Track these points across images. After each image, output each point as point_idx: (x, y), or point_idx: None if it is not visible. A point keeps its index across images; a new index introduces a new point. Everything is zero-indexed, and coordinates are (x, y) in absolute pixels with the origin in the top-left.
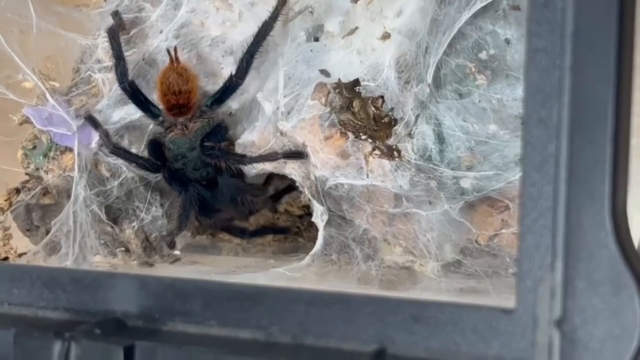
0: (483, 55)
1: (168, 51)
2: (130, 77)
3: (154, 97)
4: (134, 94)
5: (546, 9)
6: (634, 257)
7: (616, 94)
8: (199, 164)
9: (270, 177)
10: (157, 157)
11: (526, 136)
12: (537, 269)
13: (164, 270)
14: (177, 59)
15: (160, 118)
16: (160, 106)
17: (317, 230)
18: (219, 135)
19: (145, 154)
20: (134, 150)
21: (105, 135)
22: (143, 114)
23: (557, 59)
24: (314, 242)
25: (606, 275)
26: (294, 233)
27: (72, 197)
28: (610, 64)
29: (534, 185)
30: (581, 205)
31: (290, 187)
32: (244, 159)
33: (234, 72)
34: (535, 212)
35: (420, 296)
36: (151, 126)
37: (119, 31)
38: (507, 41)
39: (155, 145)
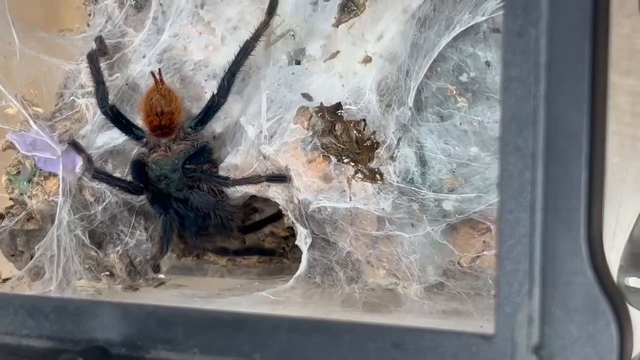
0: (464, 77)
1: (152, 73)
2: (111, 101)
3: (138, 120)
4: (116, 118)
5: (520, 38)
6: (610, 284)
7: (590, 123)
8: (181, 186)
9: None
10: (140, 177)
11: (503, 164)
12: (515, 295)
13: (148, 294)
14: (161, 80)
15: (144, 139)
16: (144, 127)
17: (302, 252)
18: (203, 157)
19: (129, 175)
20: (117, 175)
21: (88, 161)
22: (126, 137)
23: (532, 88)
24: (299, 264)
25: (582, 302)
26: (279, 254)
27: (56, 222)
28: (584, 94)
29: (511, 213)
30: (557, 232)
31: (275, 216)
32: (227, 181)
33: (215, 92)
34: (512, 239)
35: (403, 319)
36: (135, 150)
37: (98, 55)
38: (488, 63)
39: (138, 166)
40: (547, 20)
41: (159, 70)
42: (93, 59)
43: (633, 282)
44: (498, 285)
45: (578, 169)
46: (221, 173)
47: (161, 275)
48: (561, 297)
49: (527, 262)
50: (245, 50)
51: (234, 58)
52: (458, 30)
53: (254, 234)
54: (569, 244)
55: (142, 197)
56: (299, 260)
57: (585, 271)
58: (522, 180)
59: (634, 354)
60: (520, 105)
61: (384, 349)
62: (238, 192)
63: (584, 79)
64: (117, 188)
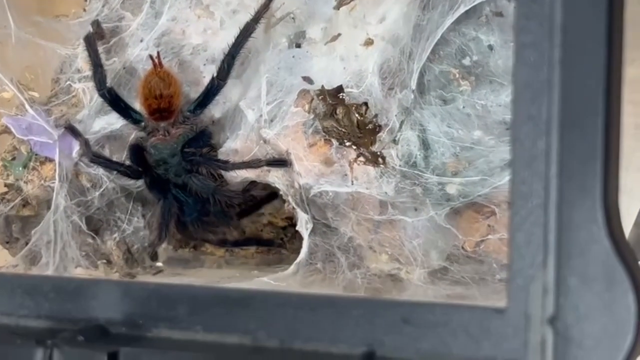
0: (466, 61)
1: (151, 57)
2: (109, 84)
3: (136, 104)
4: (114, 101)
5: (534, 3)
6: (627, 251)
7: (606, 88)
8: (180, 170)
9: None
10: (138, 162)
11: (515, 133)
12: (528, 267)
13: (146, 281)
14: (160, 63)
15: (142, 123)
16: (142, 111)
17: (301, 241)
18: (202, 142)
19: (127, 160)
20: (114, 159)
21: (85, 145)
22: (124, 120)
23: (546, 54)
24: (298, 254)
25: (599, 271)
26: (277, 245)
27: (53, 207)
28: (601, 58)
29: (523, 183)
30: (573, 200)
31: (270, 196)
32: (226, 165)
33: (215, 74)
34: (524, 209)
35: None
36: (133, 135)
37: (95, 38)
38: (491, 47)
39: (137, 150)
40: None
41: (158, 53)
42: (90, 42)
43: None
44: (510, 257)
45: (594, 135)
46: (220, 158)
47: (159, 263)
48: (577, 267)
49: (541, 233)
50: (246, 32)
51: (233, 40)
52: (462, 9)
53: (250, 217)
54: (584, 212)
55: (139, 182)
56: (297, 251)
57: (602, 239)
58: (535, 149)
59: None
60: (533, 73)
61: (394, 324)
62: (237, 177)
63: (600, 42)
64: (116, 172)
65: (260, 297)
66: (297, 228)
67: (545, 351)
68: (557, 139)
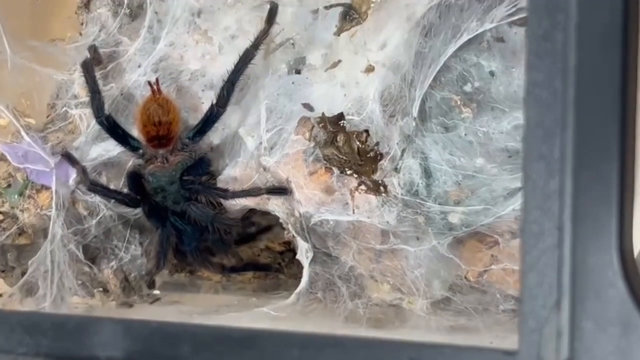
0: (468, 87)
1: (149, 83)
2: (107, 111)
3: (134, 131)
4: (112, 128)
5: (546, 42)
6: None
7: (622, 129)
8: (179, 198)
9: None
10: (136, 189)
11: (527, 172)
12: (540, 308)
13: (143, 310)
14: (159, 90)
15: (141, 150)
16: (141, 138)
17: (299, 266)
18: (201, 169)
19: (124, 188)
20: (112, 187)
21: (82, 172)
22: (122, 147)
23: (559, 93)
24: (296, 279)
25: (615, 315)
26: (275, 270)
27: (50, 236)
28: (616, 98)
29: (535, 222)
30: (587, 243)
31: (269, 227)
32: (225, 193)
33: (215, 101)
34: (536, 249)
35: (411, 335)
36: (130, 162)
37: (93, 64)
38: (492, 73)
39: (135, 178)
40: (577, 22)
41: (157, 79)
42: (88, 68)
43: None
44: (522, 298)
45: (609, 177)
46: (219, 185)
47: (156, 291)
48: (592, 310)
49: (555, 274)
50: (245, 59)
51: (233, 67)
52: (465, 38)
53: (248, 246)
54: (600, 255)
55: (137, 210)
56: (295, 276)
57: (617, 283)
58: (547, 189)
59: None
60: (545, 112)
61: None
62: (237, 205)
63: (615, 82)
64: (114, 200)
65: (264, 337)
66: (297, 257)
67: None
68: (571, 180)
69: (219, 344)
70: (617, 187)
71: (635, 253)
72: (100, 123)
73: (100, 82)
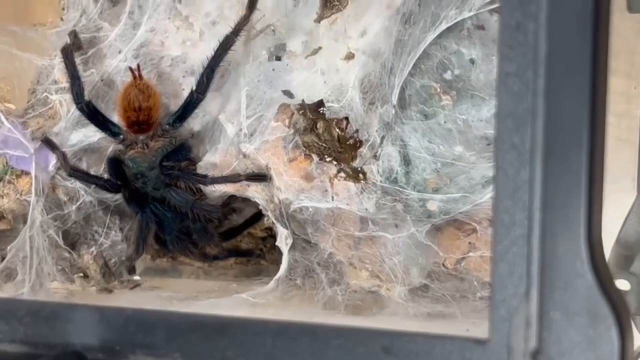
0: (448, 75)
1: (130, 68)
2: (87, 97)
3: (115, 117)
4: (92, 114)
5: (518, 32)
6: (611, 286)
7: (591, 118)
8: (159, 184)
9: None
10: (116, 175)
11: (498, 162)
12: (511, 298)
13: (123, 296)
14: (140, 75)
15: (121, 136)
16: (121, 123)
17: (280, 252)
18: (181, 155)
19: (105, 173)
20: (92, 173)
21: (62, 158)
22: (102, 133)
23: (530, 83)
24: (277, 265)
25: (583, 305)
26: (256, 255)
27: (29, 222)
28: (585, 87)
29: (506, 213)
30: (556, 233)
31: (255, 217)
32: (205, 179)
33: (194, 87)
34: (507, 239)
35: (388, 322)
36: (111, 148)
37: (73, 50)
38: (472, 61)
39: (115, 163)
40: (547, 13)
41: (138, 65)
42: (68, 54)
43: (621, 284)
44: (493, 288)
45: (579, 167)
46: (199, 172)
47: (136, 277)
48: (560, 300)
49: (524, 264)
50: (225, 45)
51: (213, 53)
52: (444, 26)
53: (235, 239)
54: (568, 245)
55: (117, 196)
56: (277, 262)
57: (586, 273)
58: (518, 179)
59: None
60: (516, 102)
61: (374, 353)
62: (217, 191)
63: (585, 73)
64: (94, 186)
65: (238, 324)
66: (276, 243)
67: None
68: (541, 170)
69: (194, 331)
70: (586, 177)
71: (605, 244)
72: (80, 109)
73: (80, 68)
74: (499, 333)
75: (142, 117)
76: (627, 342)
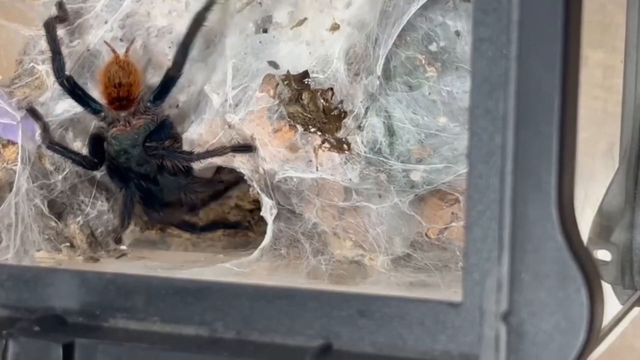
0: (433, 47)
1: (106, 43)
2: (68, 72)
3: (96, 93)
4: (72, 89)
5: None
6: (580, 249)
7: (562, 84)
8: (142, 160)
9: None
10: (96, 152)
11: (473, 127)
12: (484, 261)
13: (109, 265)
14: (127, 50)
15: (102, 113)
16: (102, 100)
17: (267, 224)
18: (164, 133)
19: (86, 148)
20: (78, 144)
21: (44, 129)
22: (83, 109)
23: (504, 49)
24: (265, 237)
25: (553, 267)
26: (244, 227)
27: (14, 189)
28: (557, 54)
29: (480, 177)
30: (527, 197)
31: (237, 180)
32: (191, 156)
33: (170, 66)
34: (481, 204)
35: (370, 290)
36: (94, 124)
37: (55, 25)
38: (457, 33)
39: (97, 141)
40: None
41: (132, 41)
42: (49, 28)
43: (601, 254)
44: (466, 252)
45: (549, 132)
46: (185, 144)
47: (123, 247)
48: (530, 263)
49: (497, 228)
50: (196, 23)
51: (186, 31)
52: None
53: (218, 204)
54: (539, 209)
55: (102, 168)
56: (264, 234)
57: (556, 236)
58: (492, 144)
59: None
60: (491, 67)
61: (350, 316)
62: (202, 163)
63: (556, 39)
64: (71, 161)
65: (216, 289)
66: (261, 214)
67: (499, 346)
68: (513, 135)
69: (173, 295)
70: (557, 142)
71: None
72: (61, 84)
73: (66, 38)
74: (471, 296)
75: (122, 93)
76: (596, 304)
